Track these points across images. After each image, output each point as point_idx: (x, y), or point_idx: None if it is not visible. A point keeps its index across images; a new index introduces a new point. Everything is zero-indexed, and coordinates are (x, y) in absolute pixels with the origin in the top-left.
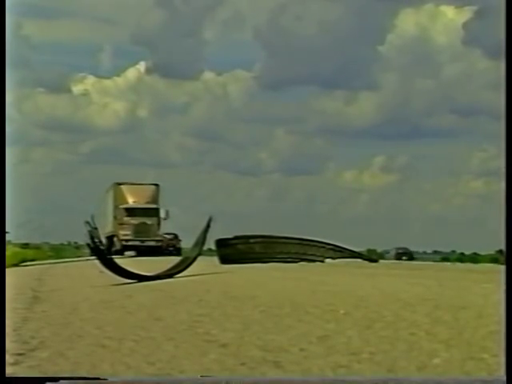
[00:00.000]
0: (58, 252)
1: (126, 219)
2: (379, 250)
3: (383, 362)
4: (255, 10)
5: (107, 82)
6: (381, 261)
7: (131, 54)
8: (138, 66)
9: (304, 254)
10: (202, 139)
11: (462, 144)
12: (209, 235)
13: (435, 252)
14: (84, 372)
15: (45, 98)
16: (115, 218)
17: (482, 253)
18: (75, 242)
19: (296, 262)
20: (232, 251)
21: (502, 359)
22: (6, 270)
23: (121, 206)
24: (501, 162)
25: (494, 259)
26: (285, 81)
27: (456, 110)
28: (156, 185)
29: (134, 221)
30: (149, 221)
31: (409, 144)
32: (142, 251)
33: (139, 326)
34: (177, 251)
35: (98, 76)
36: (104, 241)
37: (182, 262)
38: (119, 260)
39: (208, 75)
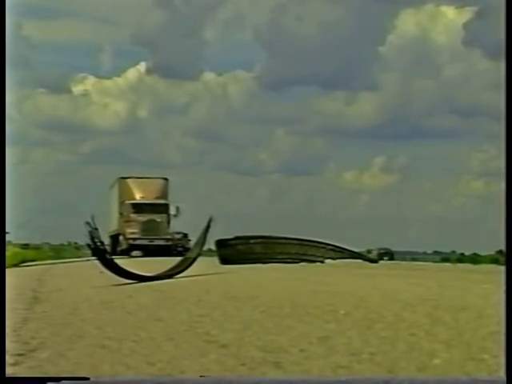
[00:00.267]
0: (59, 252)
1: (133, 216)
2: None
3: (383, 363)
4: (255, 11)
5: (107, 83)
6: (381, 261)
7: (131, 54)
8: (138, 67)
9: (304, 254)
10: (203, 139)
11: (462, 144)
12: (209, 235)
13: (435, 252)
14: (84, 372)
15: (45, 99)
16: (121, 214)
17: (482, 253)
18: (75, 243)
19: (296, 262)
20: (232, 252)
21: (502, 360)
22: (6, 270)
23: (127, 202)
24: (501, 163)
25: (494, 260)
26: (285, 81)
27: (456, 111)
28: (165, 179)
29: (142, 218)
30: (158, 218)
31: (409, 144)
32: (151, 251)
33: (139, 326)
34: (186, 251)
35: (99, 76)
36: (108, 240)
37: (182, 262)
38: (119, 260)
39: (208, 75)
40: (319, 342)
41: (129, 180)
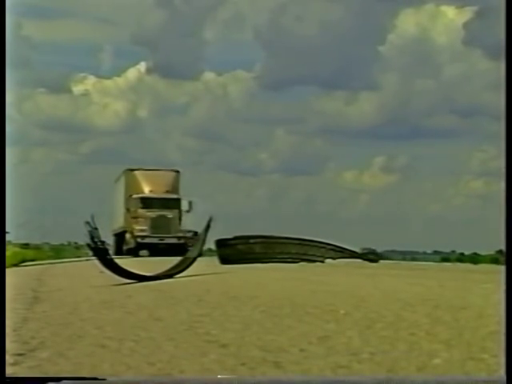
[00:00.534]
0: (58, 252)
1: (142, 212)
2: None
3: (383, 363)
4: (255, 11)
5: (108, 82)
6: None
7: (132, 54)
8: (138, 66)
9: (304, 254)
10: (203, 139)
11: (462, 144)
12: (209, 235)
13: (435, 252)
14: (84, 372)
15: (45, 98)
16: (128, 210)
17: (482, 253)
18: (75, 242)
19: (296, 262)
20: (232, 251)
21: (502, 359)
22: (6, 270)
23: (135, 196)
24: (501, 163)
25: (494, 259)
26: (285, 81)
27: (456, 111)
28: (176, 171)
29: (151, 213)
30: (169, 213)
31: (409, 144)
32: (161, 250)
33: (139, 326)
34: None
35: (99, 76)
36: (112, 239)
37: (182, 262)
38: (119, 260)
39: (208, 75)
40: (319, 342)
41: (136, 172)
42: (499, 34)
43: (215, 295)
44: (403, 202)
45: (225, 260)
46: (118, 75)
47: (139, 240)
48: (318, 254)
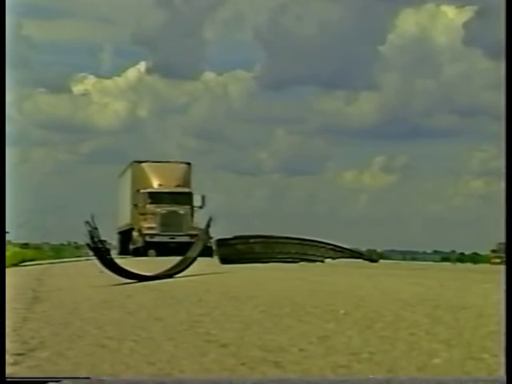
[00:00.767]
0: (58, 252)
1: (150, 208)
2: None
3: (383, 362)
4: (255, 10)
5: (108, 82)
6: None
7: (131, 54)
8: (138, 66)
9: (304, 254)
10: (202, 139)
11: (462, 144)
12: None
13: (435, 252)
14: (84, 372)
15: (45, 98)
16: (135, 206)
17: (482, 253)
18: (75, 242)
19: (296, 262)
20: (232, 251)
21: (502, 359)
22: (6, 269)
23: (143, 191)
24: (501, 162)
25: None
26: (285, 81)
27: (456, 110)
28: (187, 163)
29: (161, 210)
30: (180, 209)
31: (409, 144)
32: (171, 249)
33: (139, 326)
34: (208, 251)
35: (99, 76)
36: (117, 237)
37: (181, 261)
38: (119, 260)
39: (208, 75)
40: (319, 342)
41: (144, 165)
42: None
43: (215, 295)
44: (403, 202)
45: (225, 260)
46: (118, 75)
47: (148, 238)
48: (318, 254)
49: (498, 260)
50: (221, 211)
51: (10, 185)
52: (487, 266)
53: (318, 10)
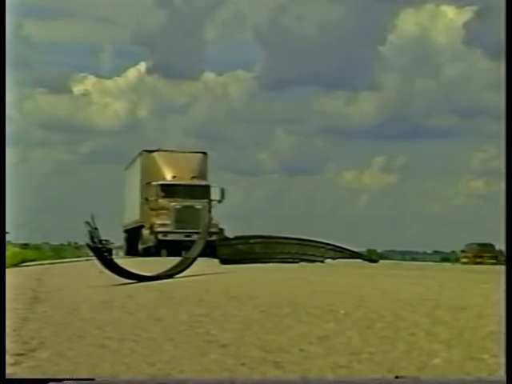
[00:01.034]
0: (58, 252)
1: (163, 202)
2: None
3: (383, 363)
4: (255, 10)
5: (108, 82)
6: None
7: (132, 54)
8: (138, 66)
9: (304, 254)
10: (202, 139)
11: (462, 144)
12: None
13: (435, 252)
14: (84, 372)
15: (45, 98)
16: (146, 200)
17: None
18: (75, 243)
19: (296, 262)
20: (232, 251)
21: (502, 359)
22: (6, 270)
23: (154, 183)
24: (501, 163)
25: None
26: (285, 81)
27: (456, 110)
28: (204, 153)
29: (176, 204)
30: (197, 204)
31: (409, 144)
32: (187, 249)
33: (139, 326)
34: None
35: (99, 76)
36: (124, 236)
37: (182, 262)
38: (119, 260)
39: (208, 75)
40: (319, 342)
41: (156, 154)
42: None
43: (215, 295)
44: (403, 202)
45: (225, 260)
46: (118, 75)
47: (160, 237)
48: (318, 254)
49: (466, 260)
50: (221, 211)
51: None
52: (487, 266)
53: (318, 10)
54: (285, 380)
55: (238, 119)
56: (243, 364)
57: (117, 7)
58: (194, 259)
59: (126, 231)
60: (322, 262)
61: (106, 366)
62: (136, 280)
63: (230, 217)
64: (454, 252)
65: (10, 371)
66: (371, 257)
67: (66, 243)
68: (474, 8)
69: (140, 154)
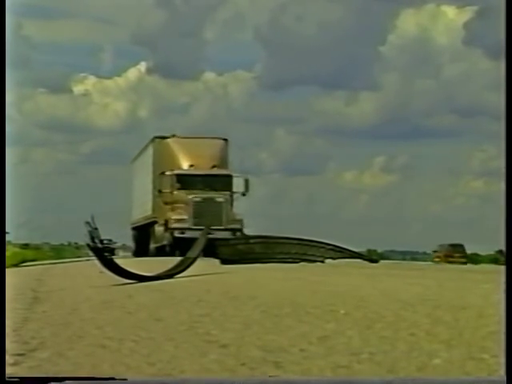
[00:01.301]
0: (58, 252)
1: (180, 195)
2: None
3: (383, 363)
4: (256, 10)
5: (108, 83)
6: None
7: (132, 54)
8: (138, 67)
9: (304, 254)
10: None
11: (462, 144)
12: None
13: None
14: (84, 372)
15: (45, 99)
16: (159, 193)
17: (483, 253)
18: (75, 243)
19: (296, 262)
20: (232, 251)
21: (502, 359)
22: (6, 270)
23: (169, 173)
24: (501, 162)
25: (494, 259)
26: (285, 81)
27: (456, 110)
28: (224, 139)
29: (194, 197)
30: (218, 196)
31: (409, 144)
32: (208, 248)
33: (139, 326)
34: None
35: (99, 76)
36: (132, 234)
37: (182, 262)
38: (119, 260)
39: (209, 75)
40: (319, 342)
41: (171, 140)
42: (499, 34)
43: (215, 295)
44: (403, 202)
45: (225, 260)
46: (119, 75)
47: (177, 234)
48: (318, 254)
49: (438, 259)
50: None
51: (10, 185)
52: (487, 266)
53: (318, 10)
54: (285, 380)
55: (239, 119)
56: (243, 364)
57: (117, 7)
58: (195, 259)
59: (135, 229)
60: (323, 262)
61: (106, 366)
62: (136, 280)
63: None
64: None
65: (10, 371)
66: (371, 257)
67: (66, 243)
68: (475, 8)
69: (152, 141)
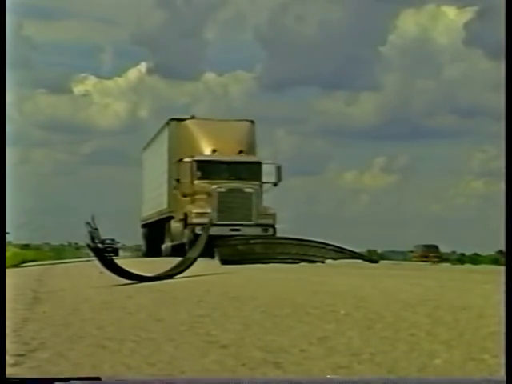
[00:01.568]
0: (59, 253)
1: (202, 185)
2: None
3: (384, 363)
4: (256, 11)
5: (108, 83)
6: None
7: (132, 54)
8: (139, 67)
9: (304, 254)
10: None
11: (462, 144)
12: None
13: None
14: (84, 373)
15: (46, 99)
16: (177, 183)
17: (483, 253)
18: (76, 243)
19: (296, 262)
20: (232, 252)
21: (502, 360)
22: (7, 270)
23: (188, 160)
24: (501, 163)
25: (494, 260)
26: (286, 81)
27: (457, 111)
28: (251, 121)
29: (219, 187)
30: (247, 187)
31: (410, 144)
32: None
33: (139, 326)
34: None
35: (99, 76)
36: (142, 232)
37: (182, 262)
38: (120, 261)
39: (209, 76)
40: (319, 343)
41: (189, 122)
42: (500, 35)
43: (215, 296)
44: (404, 203)
45: (225, 260)
46: (119, 75)
47: (199, 230)
48: (319, 255)
49: (415, 259)
50: None
51: (10, 185)
52: (487, 266)
53: (319, 10)
54: (285, 380)
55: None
56: (244, 364)
57: (117, 7)
58: (195, 260)
59: (146, 226)
60: (323, 262)
61: (107, 367)
62: (136, 280)
63: None
64: (454, 252)
65: (11, 372)
66: (371, 257)
67: (66, 244)
68: (475, 8)
69: (167, 124)
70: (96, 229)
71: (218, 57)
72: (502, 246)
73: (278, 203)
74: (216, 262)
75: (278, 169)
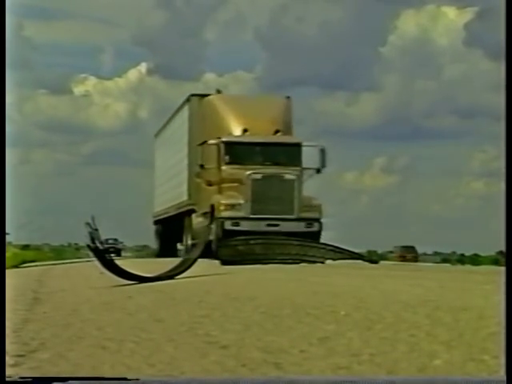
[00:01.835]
0: (59, 253)
1: (232, 171)
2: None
3: (384, 364)
4: (256, 11)
5: (108, 83)
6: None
7: (132, 55)
8: (139, 67)
9: (304, 255)
10: None
11: (462, 145)
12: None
13: (435, 253)
14: (85, 373)
15: (46, 99)
16: (201, 169)
17: (483, 254)
18: (76, 244)
19: (296, 263)
20: (232, 252)
21: (502, 360)
22: (7, 271)
23: (214, 142)
24: (501, 163)
25: (494, 260)
26: (286, 82)
27: (457, 111)
28: (287, 97)
29: (253, 174)
30: (288, 173)
31: (410, 145)
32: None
33: (139, 327)
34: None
35: (100, 77)
36: (155, 229)
37: (182, 263)
38: (120, 261)
39: (209, 76)
40: (319, 343)
41: (215, 98)
42: (500, 35)
43: (216, 296)
44: (404, 203)
45: (225, 261)
46: (119, 76)
47: (228, 226)
48: (319, 255)
49: (395, 259)
50: None
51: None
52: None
53: (319, 11)
54: (285, 380)
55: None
56: (244, 365)
57: (117, 8)
58: (195, 260)
59: (159, 222)
60: (323, 262)
61: (107, 367)
62: (136, 281)
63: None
64: (454, 253)
65: (11, 372)
66: (371, 258)
67: (66, 244)
68: (475, 9)
69: (188, 101)
70: (96, 229)
71: (218, 57)
72: (502, 247)
73: None
74: (216, 262)
75: (322, 151)
